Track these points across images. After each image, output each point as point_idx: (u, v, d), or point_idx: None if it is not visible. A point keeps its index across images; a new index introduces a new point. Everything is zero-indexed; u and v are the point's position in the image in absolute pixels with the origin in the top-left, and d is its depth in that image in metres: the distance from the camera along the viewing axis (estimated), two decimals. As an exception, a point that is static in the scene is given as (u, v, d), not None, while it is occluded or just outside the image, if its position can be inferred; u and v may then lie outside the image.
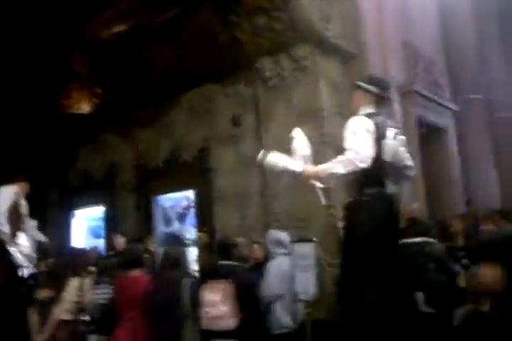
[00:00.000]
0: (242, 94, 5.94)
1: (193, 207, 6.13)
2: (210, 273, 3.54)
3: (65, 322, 3.81)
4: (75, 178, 7.92)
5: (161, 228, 6.43)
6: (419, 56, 7.04)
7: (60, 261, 4.14)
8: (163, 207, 6.50)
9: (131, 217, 6.84)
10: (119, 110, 7.30)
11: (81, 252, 4.41)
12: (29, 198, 6.65)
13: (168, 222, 6.42)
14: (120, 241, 5.41)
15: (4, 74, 8.34)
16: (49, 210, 8.21)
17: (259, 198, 5.59)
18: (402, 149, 3.02)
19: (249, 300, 3.51)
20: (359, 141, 2.81)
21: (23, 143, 8.55)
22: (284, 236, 4.09)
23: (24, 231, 4.89)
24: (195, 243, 5.86)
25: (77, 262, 4.10)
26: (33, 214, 8.18)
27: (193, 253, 5.95)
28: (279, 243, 3.98)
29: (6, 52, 7.83)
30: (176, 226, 6.31)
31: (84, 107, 8.14)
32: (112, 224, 7.00)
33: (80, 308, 3.83)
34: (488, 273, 2.32)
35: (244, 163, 5.78)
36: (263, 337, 3.59)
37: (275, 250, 3.95)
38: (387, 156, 2.91)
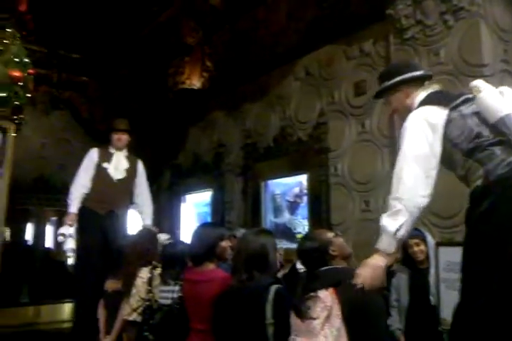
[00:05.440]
0: (370, 54, 4.68)
1: (306, 194, 5.07)
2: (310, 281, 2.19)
3: (133, 323, 3.08)
4: (185, 160, 7.38)
5: (270, 218, 5.50)
6: None
7: (131, 248, 3.35)
8: (272, 193, 5.55)
9: (238, 204, 6.04)
10: (227, 84, 6.53)
11: (154, 239, 3.54)
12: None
13: (277, 211, 5.47)
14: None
15: (117, 52, 8.13)
16: (162, 195, 7.84)
17: (389, 186, 4.34)
18: None
19: (367, 327, 2.14)
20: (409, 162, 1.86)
21: (139, 123, 8.30)
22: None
23: None
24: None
25: (148, 248, 3.29)
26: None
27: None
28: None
29: (119, 28, 7.57)
30: (286, 216, 5.33)
31: (195, 82, 7.56)
32: (218, 211, 6.29)
33: (148, 307, 3.05)
34: None
35: (370, 142, 4.57)
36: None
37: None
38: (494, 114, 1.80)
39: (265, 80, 5.89)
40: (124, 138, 4.25)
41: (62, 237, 3.81)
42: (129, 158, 4.32)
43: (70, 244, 3.83)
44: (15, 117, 3.09)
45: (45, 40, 7.61)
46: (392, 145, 4.36)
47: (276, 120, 5.66)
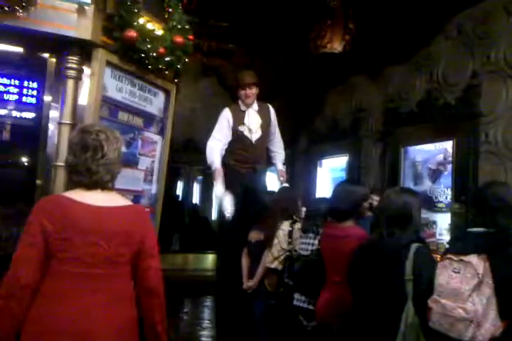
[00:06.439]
0: (537, 7, 4.17)
1: (451, 162, 4.81)
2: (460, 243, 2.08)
3: (274, 270, 3.39)
4: (322, 125, 7.43)
5: (409, 185, 5.34)
6: None
7: (274, 204, 3.61)
8: (413, 160, 5.37)
9: (375, 170, 5.95)
10: (370, 46, 6.33)
11: (295, 194, 3.80)
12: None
13: (418, 179, 5.28)
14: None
15: (262, 19, 8.30)
16: (297, 159, 8.03)
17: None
18: None
19: None
20: None
21: (280, 88, 8.50)
22: None
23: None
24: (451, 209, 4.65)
25: (289, 204, 3.56)
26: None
27: (444, 221, 4.78)
28: None
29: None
30: (427, 185, 5.13)
31: (337, 46, 7.45)
32: (354, 176, 6.27)
33: (288, 257, 3.35)
34: None
35: (531, 106, 4.14)
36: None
37: None
38: None
39: (411, 41, 5.59)
40: (253, 93, 3.94)
41: (223, 195, 3.68)
42: (260, 111, 4.06)
43: (229, 202, 3.70)
44: (176, 80, 3.43)
45: (196, 10, 8.06)
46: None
47: (421, 83, 5.38)
